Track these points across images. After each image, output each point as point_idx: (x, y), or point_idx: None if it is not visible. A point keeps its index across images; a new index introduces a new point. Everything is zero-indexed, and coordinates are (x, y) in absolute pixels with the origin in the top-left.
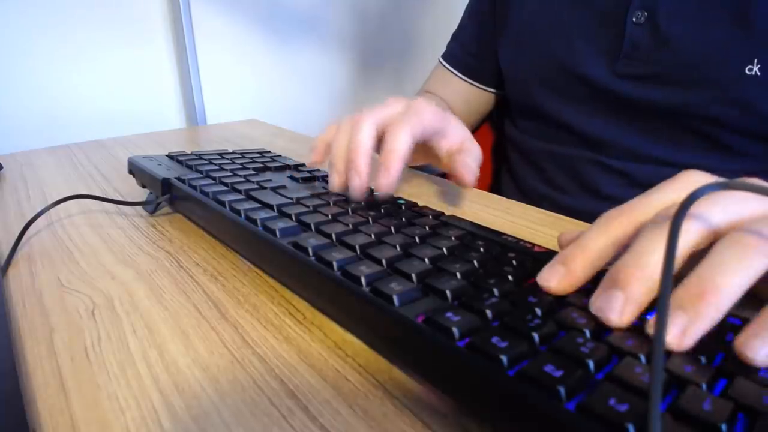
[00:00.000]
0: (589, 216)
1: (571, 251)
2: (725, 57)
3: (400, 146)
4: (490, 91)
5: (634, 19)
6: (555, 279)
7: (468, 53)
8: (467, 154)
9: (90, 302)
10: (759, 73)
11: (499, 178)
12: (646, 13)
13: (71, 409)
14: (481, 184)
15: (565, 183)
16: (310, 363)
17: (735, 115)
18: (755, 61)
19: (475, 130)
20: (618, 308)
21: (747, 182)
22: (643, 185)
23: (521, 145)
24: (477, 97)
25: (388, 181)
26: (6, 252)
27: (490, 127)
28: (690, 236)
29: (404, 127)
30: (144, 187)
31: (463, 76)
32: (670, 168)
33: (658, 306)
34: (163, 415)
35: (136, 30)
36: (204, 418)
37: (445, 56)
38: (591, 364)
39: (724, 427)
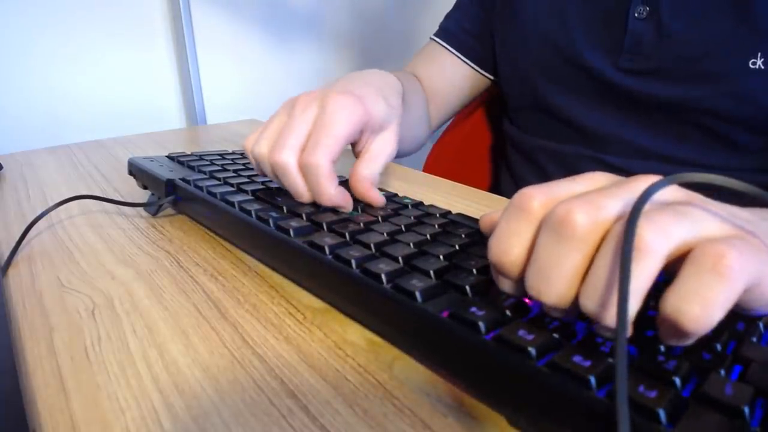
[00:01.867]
0: None
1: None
2: (728, 51)
3: (322, 179)
4: (479, 72)
5: (636, 14)
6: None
7: (463, 30)
8: (367, 163)
9: (90, 302)
10: (763, 67)
11: (498, 177)
12: (648, 8)
13: (71, 409)
14: (481, 184)
15: None
16: (310, 363)
17: (739, 109)
18: (759, 54)
19: (457, 112)
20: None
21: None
22: None
23: (520, 143)
24: (465, 77)
25: (332, 203)
26: (6, 252)
27: (490, 127)
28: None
29: (318, 157)
30: (145, 188)
31: (456, 52)
32: (673, 165)
33: (619, 293)
34: (163, 415)
35: (137, 30)
36: (204, 418)
37: (437, 34)
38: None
39: (746, 409)
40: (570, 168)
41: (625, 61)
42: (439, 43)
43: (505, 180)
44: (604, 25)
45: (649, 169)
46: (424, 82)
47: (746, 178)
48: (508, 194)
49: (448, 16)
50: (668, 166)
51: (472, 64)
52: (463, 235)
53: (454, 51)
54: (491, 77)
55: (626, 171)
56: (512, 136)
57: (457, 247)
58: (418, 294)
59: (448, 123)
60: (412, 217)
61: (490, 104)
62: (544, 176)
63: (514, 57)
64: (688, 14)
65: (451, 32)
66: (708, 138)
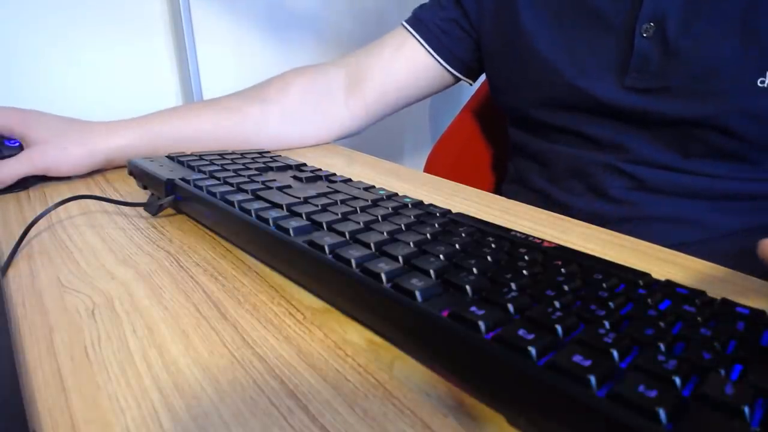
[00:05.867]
0: (595, 218)
1: None
2: (736, 69)
3: None
4: (447, 69)
5: (644, 34)
6: None
7: (437, 26)
8: None
9: (90, 302)
10: None
11: (498, 178)
12: (654, 26)
13: (71, 409)
14: (481, 185)
15: (572, 184)
16: (310, 363)
17: (747, 127)
18: (767, 73)
19: (411, 103)
20: None
21: None
22: (652, 189)
23: (526, 146)
24: (429, 71)
25: None
26: (6, 252)
27: (491, 127)
28: None
29: None
30: (145, 188)
31: (426, 45)
32: (681, 174)
33: None
34: (163, 415)
35: (136, 30)
36: (204, 418)
37: (409, 21)
38: (615, 353)
39: (746, 409)
40: (579, 171)
41: (631, 80)
42: (409, 31)
43: (506, 180)
44: (610, 45)
45: (657, 176)
46: (366, 72)
47: (756, 187)
48: (509, 195)
49: (422, 7)
50: (677, 175)
51: (443, 62)
52: (463, 235)
53: (423, 43)
54: (461, 77)
55: (636, 177)
56: (517, 140)
57: (457, 247)
58: (418, 293)
59: (449, 124)
60: (412, 217)
61: (491, 105)
62: (551, 177)
63: (512, 82)
64: (695, 32)
65: (424, 24)
66: (715, 152)
